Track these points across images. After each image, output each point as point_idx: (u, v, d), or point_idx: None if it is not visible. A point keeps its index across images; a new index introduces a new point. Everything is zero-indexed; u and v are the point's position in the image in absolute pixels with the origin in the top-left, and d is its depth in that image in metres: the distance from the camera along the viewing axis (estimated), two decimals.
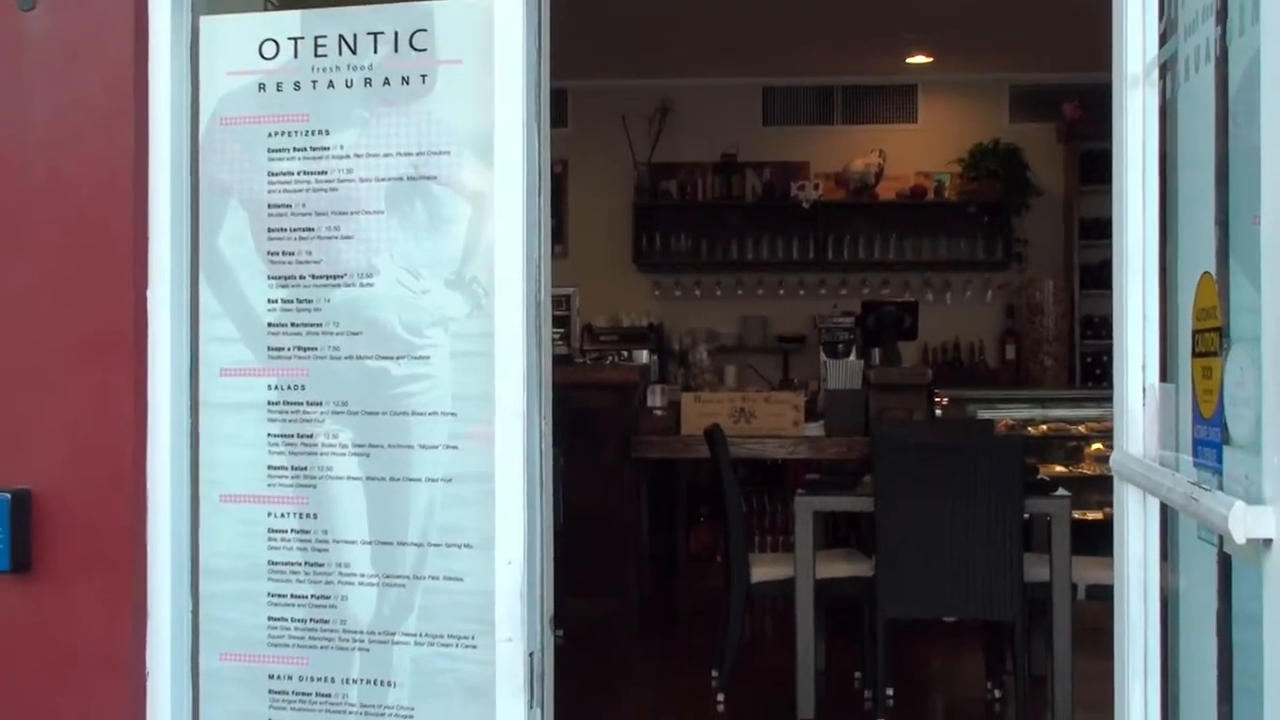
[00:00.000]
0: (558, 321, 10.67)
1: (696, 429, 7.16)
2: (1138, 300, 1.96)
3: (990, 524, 5.21)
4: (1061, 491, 5.54)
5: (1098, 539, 6.33)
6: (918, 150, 10.29)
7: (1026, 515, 5.51)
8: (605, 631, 7.34)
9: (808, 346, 10.02)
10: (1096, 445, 7.95)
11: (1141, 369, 1.95)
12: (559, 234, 10.55)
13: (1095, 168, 9.93)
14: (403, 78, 2.44)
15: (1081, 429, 8.01)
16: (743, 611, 5.80)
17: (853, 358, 8.00)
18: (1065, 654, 5.43)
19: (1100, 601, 5.80)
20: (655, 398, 7.73)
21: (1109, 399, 7.09)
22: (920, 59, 9.79)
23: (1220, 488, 1.53)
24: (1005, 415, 8.10)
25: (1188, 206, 2.07)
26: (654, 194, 10.38)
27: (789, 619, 5.77)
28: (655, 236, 10.35)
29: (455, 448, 2.40)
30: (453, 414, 2.40)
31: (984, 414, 8.06)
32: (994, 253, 10.10)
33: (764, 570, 5.83)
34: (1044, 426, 8.04)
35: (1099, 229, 9.92)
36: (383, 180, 2.45)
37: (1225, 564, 1.99)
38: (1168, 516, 2.02)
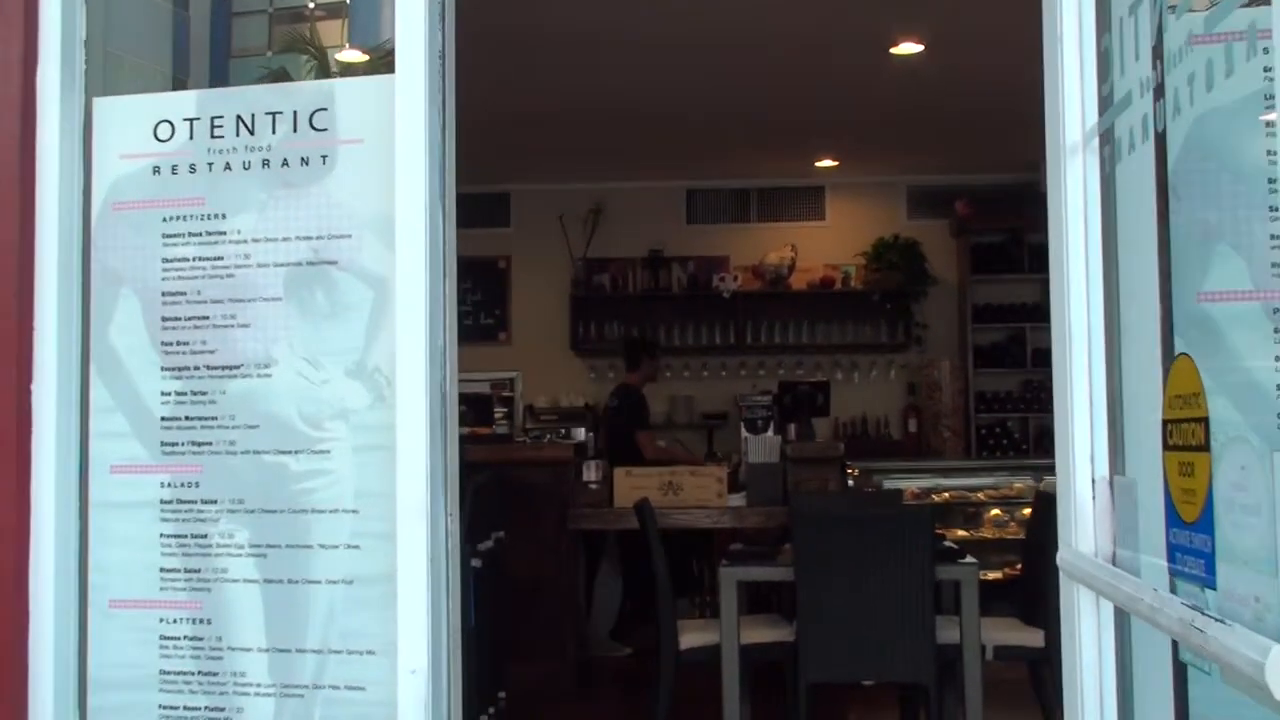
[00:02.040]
0: (502, 402, 10.26)
1: (628, 501, 6.73)
2: (1083, 384, 1.58)
3: (904, 591, 4.81)
4: (969, 559, 5.15)
5: (997, 598, 5.94)
6: (826, 245, 10.00)
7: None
8: (545, 694, 6.84)
9: (729, 423, 9.64)
10: (995, 511, 7.61)
11: (1090, 460, 1.57)
12: (504, 322, 10.17)
13: (984, 259, 9.70)
14: (302, 158, 2.04)
15: (981, 496, 7.66)
16: (672, 678, 5.34)
17: (771, 433, 7.61)
18: (976, 711, 5.02)
19: (1007, 662, 5.42)
20: (590, 472, 7.31)
21: (1004, 468, 6.69)
22: (828, 163, 9.53)
23: (1212, 605, 1.14)
24: (911, 484, 7.74)
25: (1131, 286, 1.70)
26: (589, 286, 10.02)
27: (718, 681, 5.33)
28: (591, 324, 9.97)
29: (357, 547, 1.98)
30: (354, 511, 1.98)
31: (891, 483, 7.70)
32: (896, 336, 9.79)
33: (692, 637, 5.39)
34: (946, 494, 7.69)
35: (989, 313, 9.68)
36: (281, 265, 2.04)
37: (1180, 668, 1.61)
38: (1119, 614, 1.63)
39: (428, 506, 1.90)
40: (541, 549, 6.98)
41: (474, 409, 8.01)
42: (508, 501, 6.64)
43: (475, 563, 5.19)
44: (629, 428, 8.37)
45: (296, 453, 2.00)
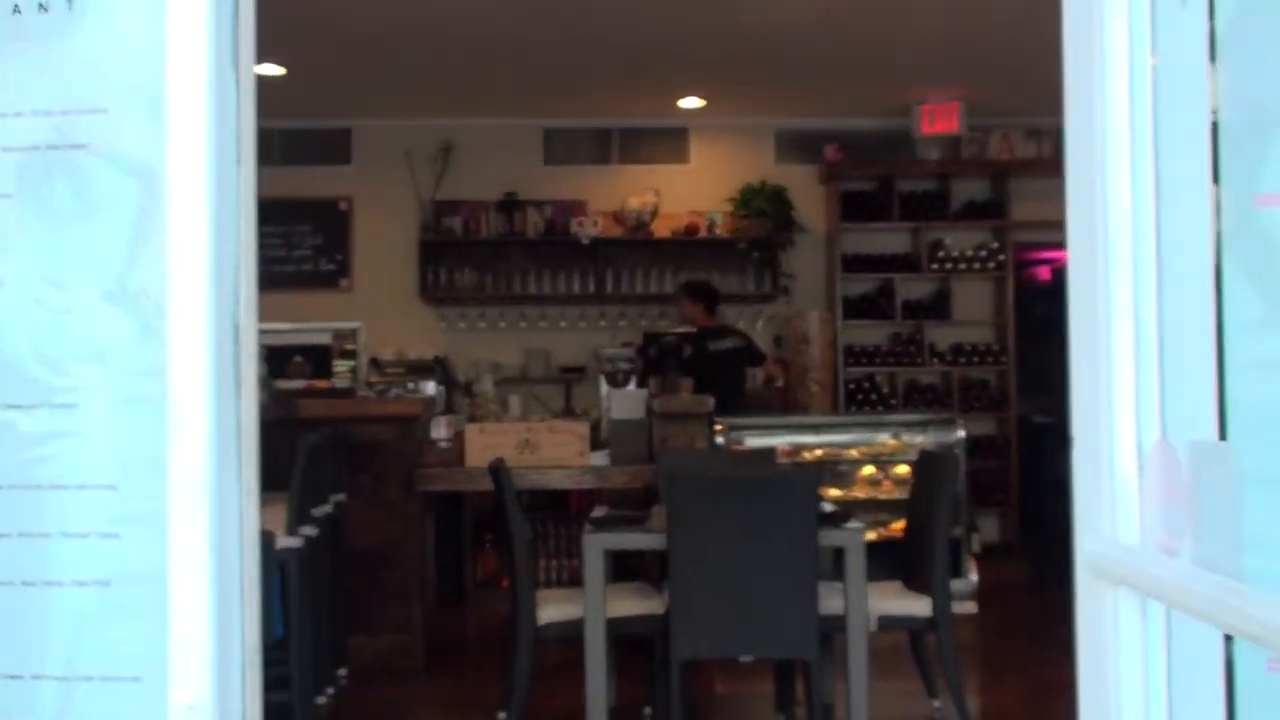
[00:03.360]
0: (345, 355, 9.63)
1: (481, 461, 6.26)
2: (1126, 314, 1.15)
3: (785, 559, 4.43)
4: (854, 523, 4.80)
5: (871, 560, 5.60)
6: (690, 190, 9.59)
7: None
8: (389, 668, 6.35)
9: (588, 376, 9.19)
10: (868, 469, 7.32)
11: (1134, 419, 1.14)
12: (345, 269, 9.54)
13: (854, 206, 9.40)
14: (39, 4, 1.50)
15: (854, 454, 7.36)
16: (530, 654, 4.89)
17: (633, 387, 7.18)
18: (861, 686, 4.68)
19: (891, 632, 5.10)
20: (440, 429, 6.77)
21: (874, 425, 6.31)
22: (693, 102, 9.08)
23: None
24: (779, 441, 7.40)
25: (1170, 185, 1.28)
26: (439, 230, 9.43)
27: (579, 654, 4.88)
28: (440, 271, 9.39)
29: (115, 536, 1.45)
30: (112, 487, 1.46)
31: (760, 441, 7.35)
32: (763, 286, 9.44)
33: (552, 610, 4.94)
34: (818, 451, 7.37)
35: (858, 263, 9.39)
36: (10, 150, 1.49)
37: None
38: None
39: (213, 480, 1.39)
40: (386, 513, 6.47)
41: (312, 360, 7.42)
42: (349, 461, 6.10)
43: (309, 530, 4.65)
44: (759, 361, 8.24)
45: (31, 407, 1.47)
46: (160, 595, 1.43)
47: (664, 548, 4.56)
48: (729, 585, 4.45)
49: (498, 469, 4.98)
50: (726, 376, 8.05)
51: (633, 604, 4.97)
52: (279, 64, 7.84)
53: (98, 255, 1.47)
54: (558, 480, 6.57)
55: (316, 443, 4.70)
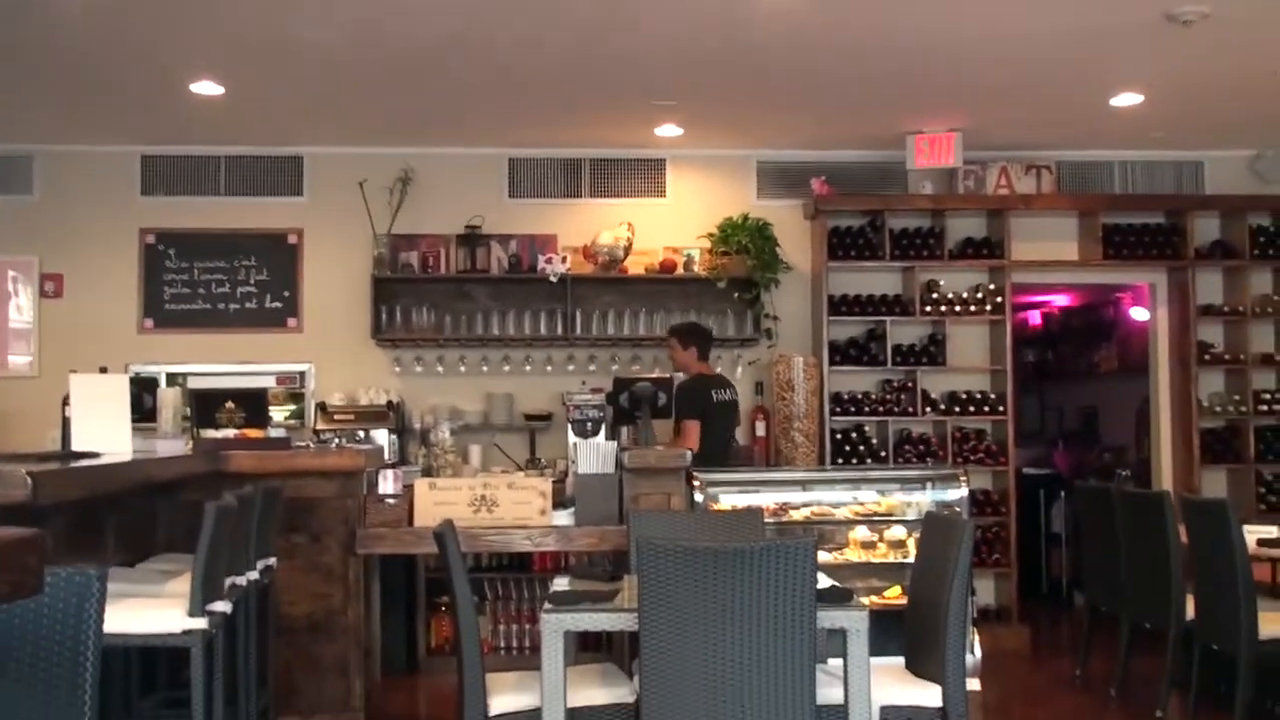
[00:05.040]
0: (294, 398, 9.01)
1: (431, 520, 5.69)
2: None
3: (778, 645, 3.82)
4: (858, 600, 4.19)
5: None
6: (667, 224, 9.02)
7: None
8: None
9: (555, 424, 8.58)
10: (861, 530, 6.71)
11: None
12: (293, 307, 8.94)
13: (841, 244, 8.85)
14: None
15: (847, 512, 6.75)
16: None
17: (603, 438, 6.58)
18: None
19: None
20: (387, 484, 6.13)
21: (868, 480, 5.71)
22: (670, 130, 8.53)
23: None
24: (765, 499, 6.80)
25: None
26: (394, 266, 8.81)
27: None
28: (396, 310, 8.76)
29: None
30: None
31: (741, 499, 6.75)
32: (744, 329, 8.85)
33: (506, 699, 4.30)
34: (807, 511, 6.76)
35: (846, 305, 8.83)
36: None
37: None
38: None
39: None
40: (324, 578, 5.85)
41: (250, 407, 6.77)
42: (280, 522, 5.47)
43: (221, 606, 4.02)
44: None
45: None
46: None
47: (635, 628, 3.94)
48: (711, 674, 3.83)
49: (443, 535, 4.36)
50: (724, 430, 7.57)
51: (598, 691, 4.34)
52: (216, 81, 7.25)
53: None
54: (517, 542, 5.95)
55: (229, 506, 4.07)
